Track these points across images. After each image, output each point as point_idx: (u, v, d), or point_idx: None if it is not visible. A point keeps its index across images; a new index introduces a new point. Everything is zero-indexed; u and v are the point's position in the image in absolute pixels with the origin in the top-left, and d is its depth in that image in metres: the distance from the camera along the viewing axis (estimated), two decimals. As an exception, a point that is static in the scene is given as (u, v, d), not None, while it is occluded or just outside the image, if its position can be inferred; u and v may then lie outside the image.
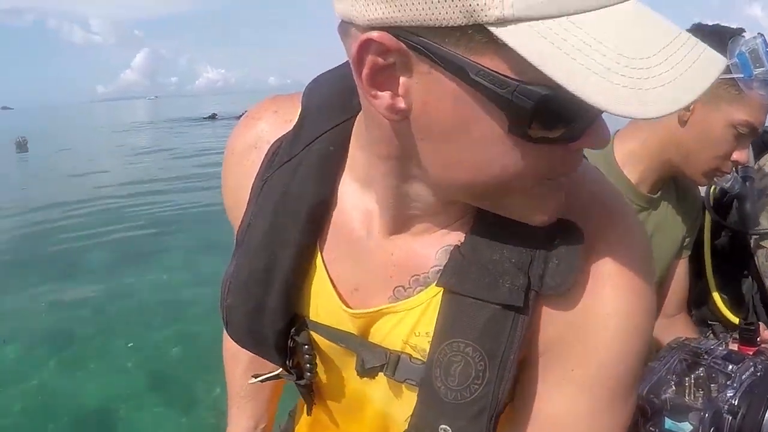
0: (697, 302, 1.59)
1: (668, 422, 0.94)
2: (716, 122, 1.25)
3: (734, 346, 1.19)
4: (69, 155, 16.41)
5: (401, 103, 0.49)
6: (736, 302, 1.57)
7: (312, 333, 0.69)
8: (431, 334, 0.60)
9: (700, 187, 1.52)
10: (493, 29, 0.42)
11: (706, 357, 1.01)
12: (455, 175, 0.53)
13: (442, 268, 0.60)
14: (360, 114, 0.61)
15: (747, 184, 1.42)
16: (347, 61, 0.52)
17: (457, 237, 0.61)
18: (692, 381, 0.96)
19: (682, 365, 1.01)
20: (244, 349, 0.76)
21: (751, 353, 1.12)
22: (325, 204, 0.65)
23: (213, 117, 32.72)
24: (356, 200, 0.65)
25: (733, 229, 1.50)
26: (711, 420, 0.92)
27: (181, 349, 3.61)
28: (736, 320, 1.49)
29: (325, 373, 0.74)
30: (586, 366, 0.58)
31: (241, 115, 0.83)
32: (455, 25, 0.43)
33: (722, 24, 1.29)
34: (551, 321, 0.58)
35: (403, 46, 0.46)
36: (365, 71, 0.48)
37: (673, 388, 0.97)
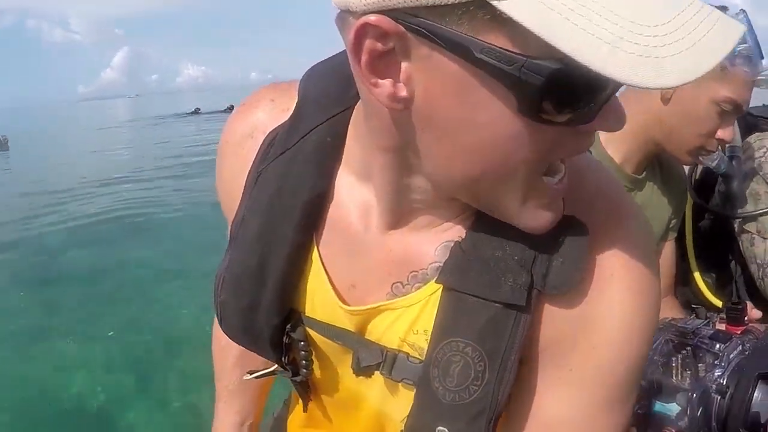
0: (680, 285, 1.58)
1: (656, 404, 0.92)
2: (700, 99, 1.23)
3: (721, 326, 1.17)
4: (50, 153, 16.35)
5: (403, 91, 0.47)
6: (721, 285, 1.56)
7: (308, 329, 0.67)
8: (429, 332, 0.58)
9: (685, 172, 1.50)
10: (496, 3, 0.40)
11: (692, 337, 0.99)
12: (458, 166, 0.50)
13: (441, 264, 0.58)
14: (358, 104, 0.59)
15: (734, 163, 1.40)
16: (345, 51, 0.50)
17: (457, 232, 0.59)
18: (679, 361, 0.94)
19: (669, 346, 0.99)
20: (238, 345, 0.74)
21: (738, 332, 1.10)
22: (322, 198, 0.63)
23: (196, 112, 32.44)
24: (354, 194, 0.62)
25: (716, 212, 1.49)
26: (699, 400, 0.90)
27: (163, 344, 3.60)
28: (719, 303, 1.48)
29: (320, 370, 0.72)
30: (586, 366, 0.56)
31: (225, 109, 0.80)
32: (455, 2, 0.41)
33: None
34: (552, 320, 0.56)
35: (402, 28, 0.44)
36: (364, 58, 0.46)
37: (660, 369, 0.95)
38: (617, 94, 0.47)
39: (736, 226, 1.46)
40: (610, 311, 0.55)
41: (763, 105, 1.56)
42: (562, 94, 0.43)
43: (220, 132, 0.73)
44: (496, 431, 0.57)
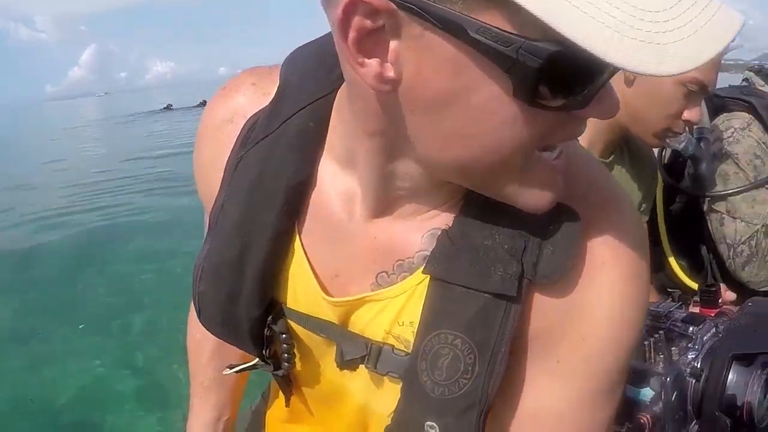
0: (654, 269, 1.57)
1: (629, 389, 0.90)
2: (664, 82, 1.22)
3: (696, 310, 1.15)
4: (18, 153, 16.12)
5: (390, 72, 0.45)
6: (695, 269, 1.55)
7: (290, 322, 0.65)
8: (416, 323, 0.56)
9: (654, 156, 1.49)
10: None
11: (665, 320, 0.98)
12: (450, 150, 0.48)
13: (428, 253, 0.56)
14: (342, 87, 0.57)
15: (702, 145, 1.39)
16: (329, 33, 0.48)
17: (444, 220, 0.57)
18: (652, 345, 0.92)
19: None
20: (212, 337, 0.72)
21: (712, 315, 1.09)
22: (304, 184, 0.61)
23: (169, 108, 32.05)
24: (337, 180, 0.60)
25: (688, 194, 1.48)
26: (673, 384, 0.88)
27: (147, 341, 3.58)
28: (694, 286, 1.47)
29: (303, 364, 0.70)
30: (574, 357, 0.55)
31: (198, 104, 0.77)
32: None
33: None
34: (541, 310, 0.55)
35: (393, 5, 0.42)
36: (351, 35, 0.44)
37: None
38: None
39: (705, 206, 1.45)
40: (599, 300, 0.54)
41: (729, 86, 1.55)
42: (560, 78, 0.42)
43: (195, 127, 0.71)
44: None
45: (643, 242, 0.57)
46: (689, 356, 0.91)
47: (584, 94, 0.44)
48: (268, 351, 0.68)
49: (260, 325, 0.65)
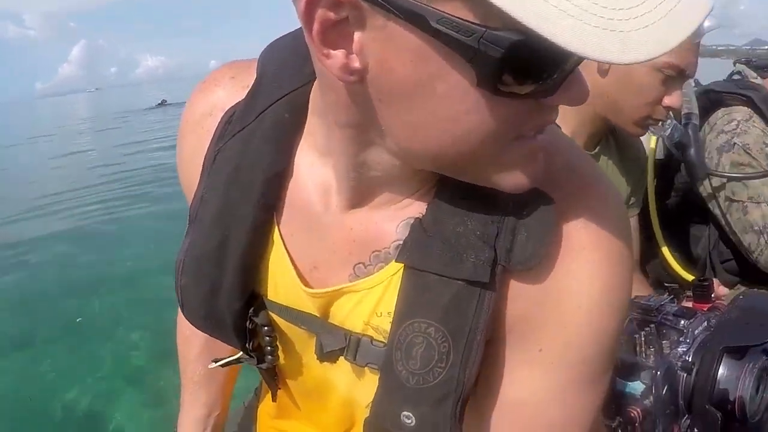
0: (650, 264, 1.56)
1: (619, 383, 0.89)
2: (639, 68, 1.20)
3: (688, 304, 1.15)
4: (13, 152, 16.01)
5: (356, 62, 0.45)
6: (690, 263, 1.55)
7: (271, 314, 0.65)
8: (393, 314, 0.56)
9: (643, 147, 1.48)
10: None
11: (656, 314, 0.97)
12: (420, 139, 0.48)
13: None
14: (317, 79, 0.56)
15: (690, 131, 1.38)
16: None
17: (419, 208, 0.57)
18: (642, 339, 0.91)
19: (632, 324, 0.96)
20: (201, 333, 0.72)
21: (704, 309, 1.08)
22: (281, 176, 0.61)
23: (163, 104, 31.85)
24: (314, 172, 0.60)
25: (690, 182, 1.47)
26: (664, 377, 0.87)
27: (145, 339, 3.56)
28: (690, 278, 1.46)
29: (286, 357, 0.70)
30: (555, 346, 0.54)
31: None
32: None
33: None
34: (518, 297, 0.54)
35: None
36: (316, 27, 0.44)
37: (623, 347, 0.92)
38: None
39: (707, 185, 1.42)
40: (579, 286, 0.53)
41: (725, 80, 1.55)
42: (523, 67, 0.41)
43: None
44: (465, 414, 0.55)
45: (625, 228, 0.56)
46: (680, 350, 0.91)
47: (550, 82, 0.43)
48: (251, 344, 0.68)
49: (242, 318, 0.65)
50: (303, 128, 0.61)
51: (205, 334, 0.74)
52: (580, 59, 0.42)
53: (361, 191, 0.58)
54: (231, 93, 0.66)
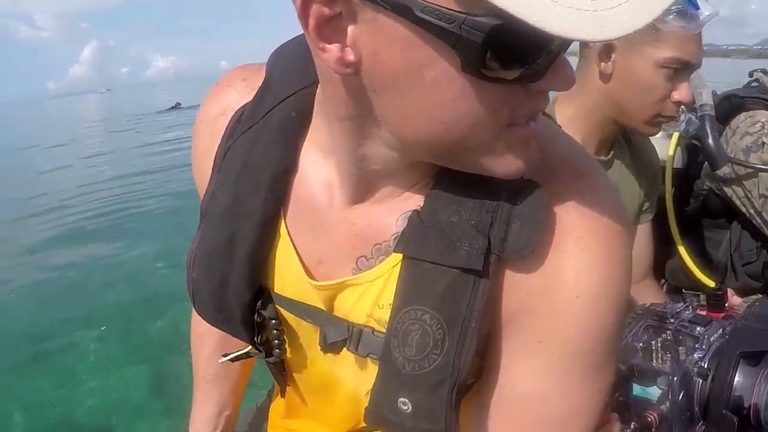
0: (669, 270, 1.56)
1: (636, 388, 0.90)
2: (642, 68, 1.20)
3: (702, 313, 1.15)
4: (25, 151, 16.08)
5: (350, 55, 0.47)
6: (710, 269, 1.54)
7: (279, 307, 0.67)
8: (392, 303, 0.57)
9: (656, 152, 1.48)
10: None
11: (672, 321, 0.98)
12: (413, 128, 0.50)
13: None
14: None
15: (707, 123, 1.35)
16: None
17: (417, 201, 0.58)
18: (659, 345, 0.92)
19: (649, 331, 0.97)
20: (215, 332, 0.74)
21: (719, 318, 1.09)
22: (288, 172, 0.63)
23: (177, 106, 31.41)
24: (319, 169, 0.63)
25: (703, 195, 1.46)
26: (680, 383, 0.88)
27: (163, 338, 3.56)
28: (711, 283, 1.45)
29: (293, 351, 0.72)
30: (553, 338, 0.54)
31: None
32: None
33: None
34: (515, 288, 0.55)
35: None
36: (311, 23, 0.46)
37: (640, 353, 0.93)
38: None
39: (752, 198, 1.40)
40: (576, 275, 0.53)
41: (746, 86, 1.55)
42: (505, 52, 0.43)
43: None
44: (467, 405, 0.56)
45: (619, 219, 0.56)
46: (696, 356, 0.91)
47: (535, 67, 0.45)
48: (259, 337, 0.70)
49: (251, 311, 0.67)
50: (309, 127, 0.63)
51: (218, 334, 0.76)
52: (563, 43, 0.44)
53: (362, 186, 0.60)
54: (242, 94, 0.69)
